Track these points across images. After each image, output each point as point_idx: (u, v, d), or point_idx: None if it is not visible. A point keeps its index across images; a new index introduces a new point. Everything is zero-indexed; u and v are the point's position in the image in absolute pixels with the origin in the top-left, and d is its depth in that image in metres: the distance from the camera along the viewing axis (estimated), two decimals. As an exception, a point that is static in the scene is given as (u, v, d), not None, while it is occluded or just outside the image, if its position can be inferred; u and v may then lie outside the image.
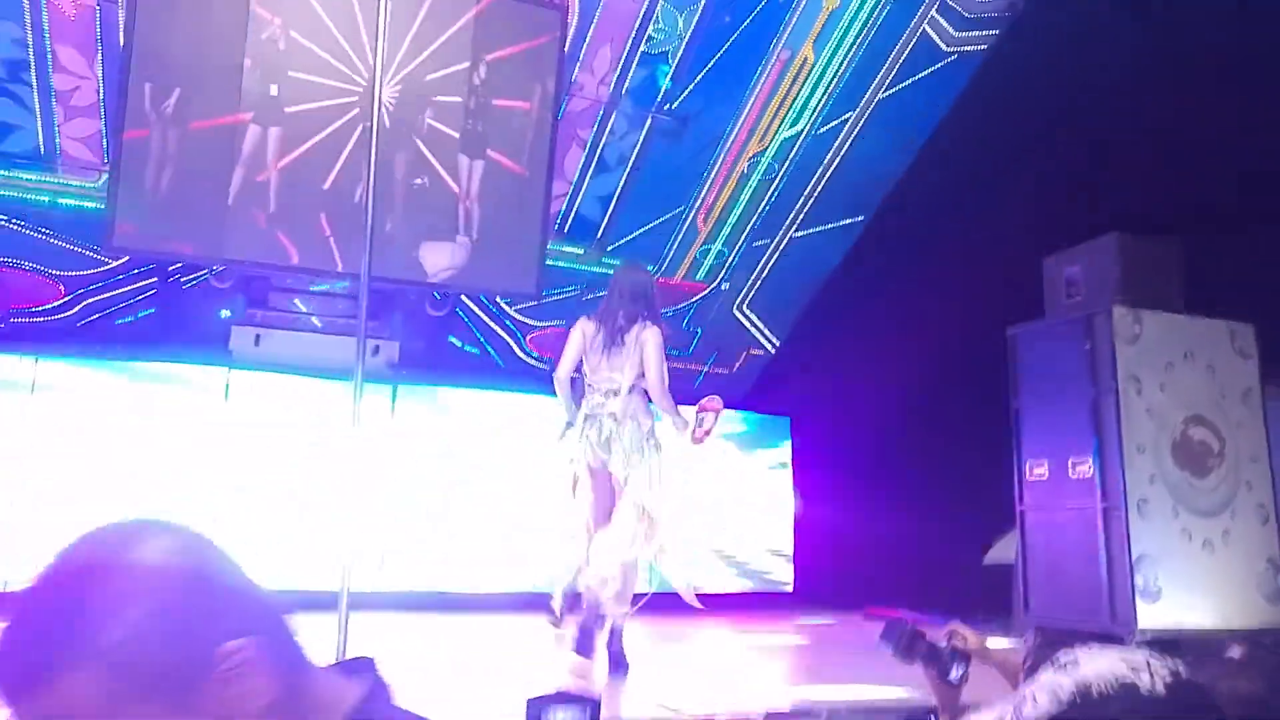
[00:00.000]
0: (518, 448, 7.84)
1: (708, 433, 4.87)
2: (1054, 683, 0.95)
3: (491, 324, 8.17)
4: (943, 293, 7.14)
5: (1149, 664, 0.94)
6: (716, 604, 8.03)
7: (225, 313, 7.61)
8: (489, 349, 8.24)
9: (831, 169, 7.99)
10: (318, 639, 4.68)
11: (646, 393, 4.60)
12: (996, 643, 2.71)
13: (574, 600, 4.68)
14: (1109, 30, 6.52)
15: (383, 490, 7.16)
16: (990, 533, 6.67)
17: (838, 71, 7.58)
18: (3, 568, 6.35)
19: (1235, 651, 2.60)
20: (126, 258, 7.21)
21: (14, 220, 6.99)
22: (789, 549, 8.54)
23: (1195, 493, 5.47)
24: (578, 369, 4.78)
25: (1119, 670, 0.93)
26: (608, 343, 4.59)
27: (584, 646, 4.39)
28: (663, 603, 7.73)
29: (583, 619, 4.46)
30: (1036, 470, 5.91)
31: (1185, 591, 5.26)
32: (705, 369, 8.82)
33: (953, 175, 7.31)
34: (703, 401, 4.91)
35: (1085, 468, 5.58)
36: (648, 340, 4.54)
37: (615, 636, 4.59)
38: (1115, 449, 5.41)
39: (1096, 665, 0.95)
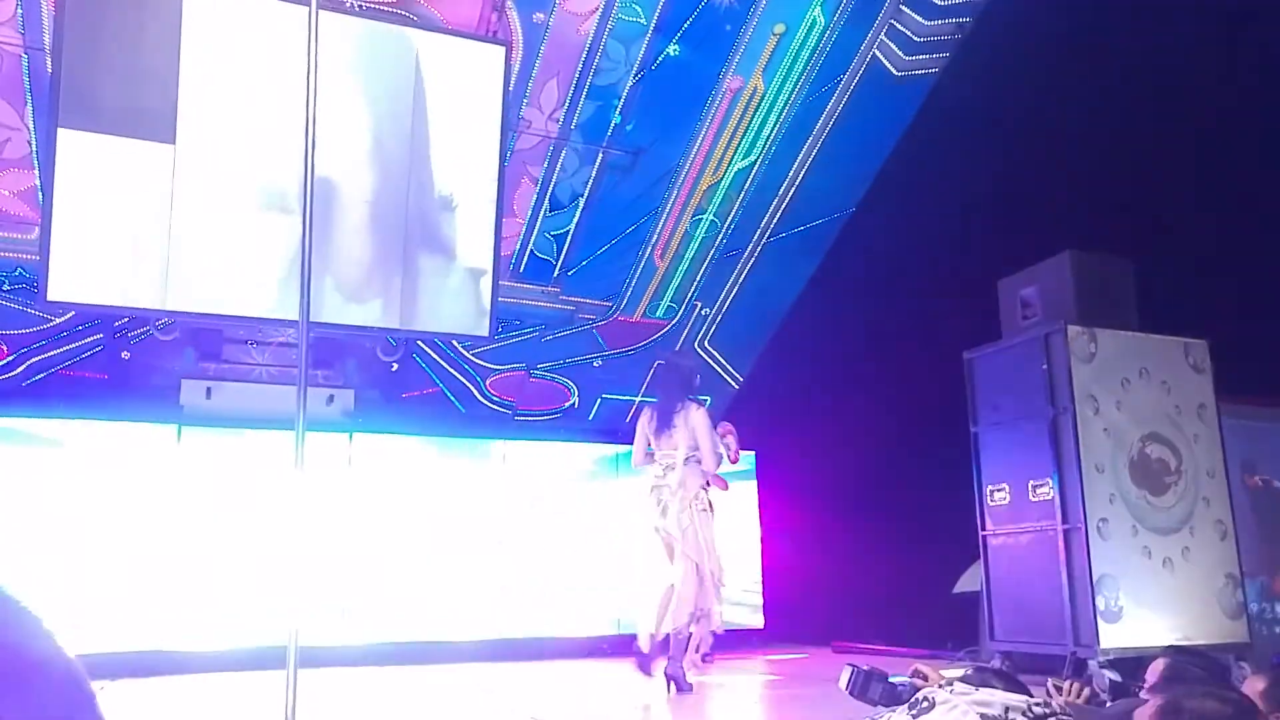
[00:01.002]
0: (479, 493, 7.95)
1: (736, 452, 6.48)
2: None
3: (449, 368, 8.29)
4: (903, 319, 7.34)
5: (1006, 715, 0.93)
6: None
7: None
8: (448, 393, 8.36)
9: (788, 199, 8.20)
10: (268, 696, 4.71)
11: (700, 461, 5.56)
12: (954, 674, 2.81)
13: (661, 646, 5.48)
14: (1059, 50, 6.79)
15: (333, 538, 7.24)
16: (958, 560, 6.81)
17: (789, 99, 7.80)
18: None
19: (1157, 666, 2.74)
20: (71, 314, 7.26)
21: (-49, 275, 7.07)
22: (758, 584, 8.64)
23: (1154, 510, 5.65)
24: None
25: None
26: (660, 427, 5.62)
27: (679, 685, 5.37)
28: (626, 640, 7.81)
29: (668, 662, 5.37)
30: (997, 494, 6.08)
31: (1147, 610, 5.42)
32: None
33: (908, 200, 7.54)
34: (719, 429, 6.04)
35: (1045, 489, 5.75)
36: (697, 420, 5.54)
37: (676, 663, 5.42)
38: (1074, 469, 5.59)
39: (945, 715, 0.95)
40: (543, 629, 7.95)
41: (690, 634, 5.44)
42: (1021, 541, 5.87)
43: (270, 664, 5.78)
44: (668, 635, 5.41)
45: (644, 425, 5.75)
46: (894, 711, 1.00)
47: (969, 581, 6.64)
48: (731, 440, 6.56)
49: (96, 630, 6.72)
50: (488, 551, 7.87)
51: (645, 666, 5.41)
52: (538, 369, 8.50)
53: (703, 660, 6.10)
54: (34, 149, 6.90)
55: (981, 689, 1.14)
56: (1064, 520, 5.58)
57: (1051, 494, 5.69)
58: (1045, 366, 5.87)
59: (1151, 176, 6.59)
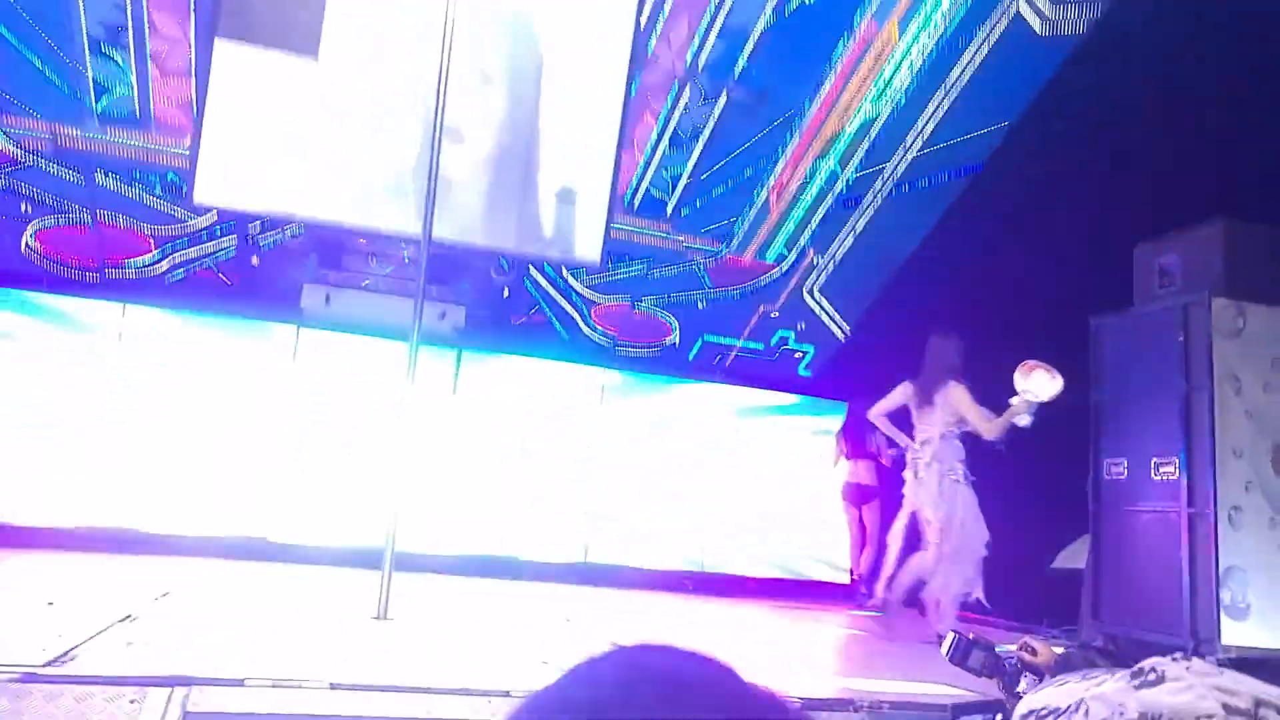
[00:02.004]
0: (576, 419, 7.53)
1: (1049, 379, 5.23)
2: (1118, 698, 0.72)
3: (557, 296, 7.80)
4: (1024, 281, 6.48)
5: (1256, 711, 0.66)
6: (770, 589, 7.60)
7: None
8: (554, 320, 7.88)
9: (912, 151, 7.36)
10: (361, 592, 4.48)
11: (959, 437, 5.41)
12: (1059, 651, 2.47)
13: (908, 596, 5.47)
14: (1220, 10, 5.78)
15: (435, 450, 6.94)
16: (1063, 533, 6.02)
17: (924, 50, 6.94)
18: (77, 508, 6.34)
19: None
20: (212, 216, 7.14)
21: (110, 174, 6.95)
22: (847, 539, 8.00)
23: (1295, 503, 4.77)
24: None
25: (1204, 710, 0.67)
26: (921, 403, 5.51)
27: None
28: (715, 584, 7.37)
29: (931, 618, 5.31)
30: (1114, 469, 5.28)
31: (1277, 610, 4.57)
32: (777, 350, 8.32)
33: (1039, 160, 6.63)
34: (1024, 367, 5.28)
35: (1170, 469, 4.93)
36: (959, 398, 5.38)
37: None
38: (1206, 451, 4.78)
39: (1180, 698, 0.68)
40: (628, 558, 7.50)
41: (939, 599, 5.28)
42: (1139, 521, 5.07)
43: (363, 563, 5.52)
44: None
45: (903, 395, 5.63)
46: (1111, 676, 0.65)
47: (1071, 558, 5.85)
48: (1041, 373, 5.21)
49: (200, 514, 6.64)
50: (577, 477, 7.47)
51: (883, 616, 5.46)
52: (642, 302, 7.93)
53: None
54: (192, 61, 6.67)
55: (1225, 673, 0.76)
56: (1190, 504, 4.76)
57: (1177, 474, 4.86)
58: (1182, 339, 5.01)
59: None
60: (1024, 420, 5.18)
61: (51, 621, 3.47)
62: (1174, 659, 0.77)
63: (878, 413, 5.71)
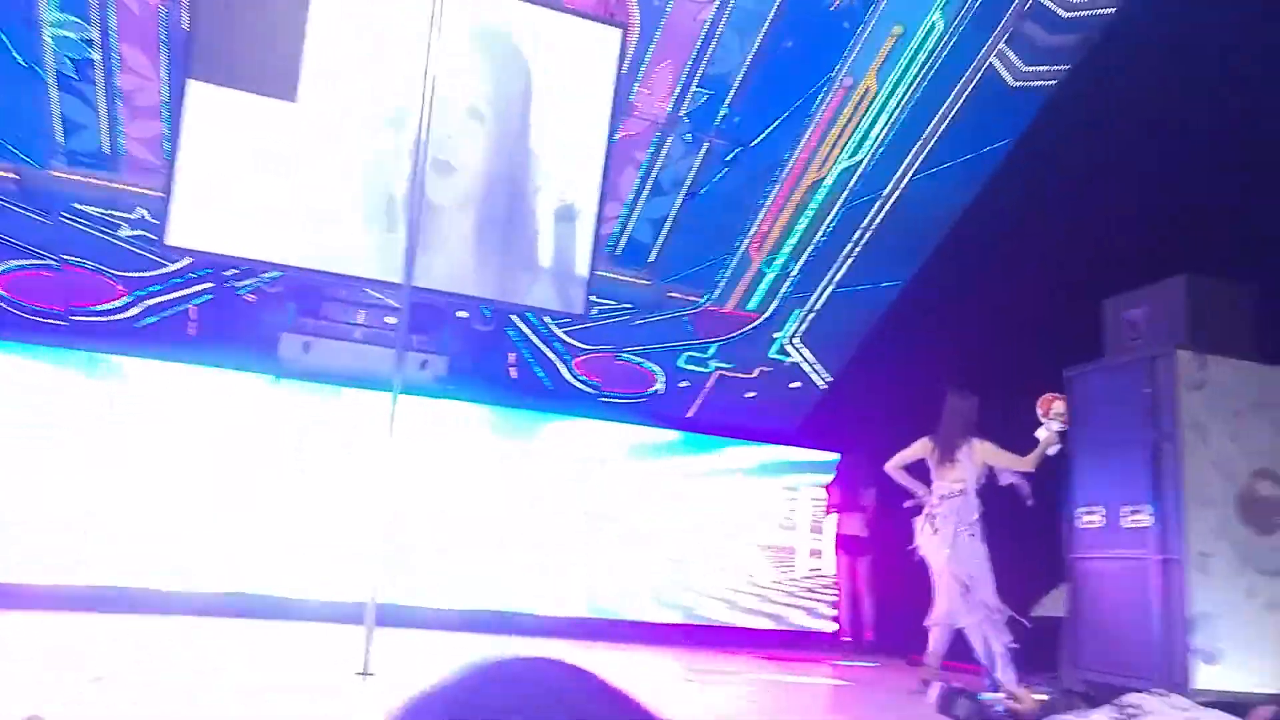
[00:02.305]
0: (559, 469, 7.79)
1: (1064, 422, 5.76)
2: None
3: (540, 344, 8.11)
4: (1000, 333, 6.90)
5: None
6: (755, 640, 7.88)
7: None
8: (536, 370, 8.18)
9: (891, 201, 7.83)
10: (344, 648, 4.62)
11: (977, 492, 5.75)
12: (1040, 698, 2.66)
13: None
14: (1183, 63, 6.31)
15: (415, 501, 7.15)
16: (1042, 582, 6.39)
17: (901, 101, 7.42)
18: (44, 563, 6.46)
19: (1265, 713, 2.42)
20: (186, 261, 7.28)
21: (78, 220, 7.10)
22: (833, 589, 8.34)
23: (1261, 550, 5.18)
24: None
25: None
26: (942, 459, 5.81)
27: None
28: (697, 635, 7.64)
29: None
30: (1088, 518, 5.66)
31: (1249, 654, 4.96)
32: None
33: (1014, 212, 7.11)
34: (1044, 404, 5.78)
35: (1141, 517, 5.32)
36: (986, 451, 5.74)
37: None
38: (1175, 499, 5.15)
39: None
40: (625, 612, 7.77)
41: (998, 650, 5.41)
42: (1112, 569, 5.44)
43: (345, 617, 5.69)
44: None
45: (922, 449, 5.93)
46: (1096, 711, 0.80)
47: (1051, 605, 6.21)
48: (1059, 404, 5.87)
49: (176, 569, 6.76)
50: (570, 530, 7.72)
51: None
52: (625, 352, 8.27)
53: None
54: (164, 99, 6.86)
55: (1200, 708, 0.87)
56: (1161, 551, 5.14)
57: (1148, 522, 5.26)
58: (1149, 390, 5.43)
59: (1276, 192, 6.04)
60: (1054, 448, 5.67)
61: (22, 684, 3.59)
62: (1153, 693, 0.90)
63: (896, 465, 6.03)
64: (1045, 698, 4.49)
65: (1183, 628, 4.90)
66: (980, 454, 5.74)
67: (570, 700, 0.58)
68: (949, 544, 5.62)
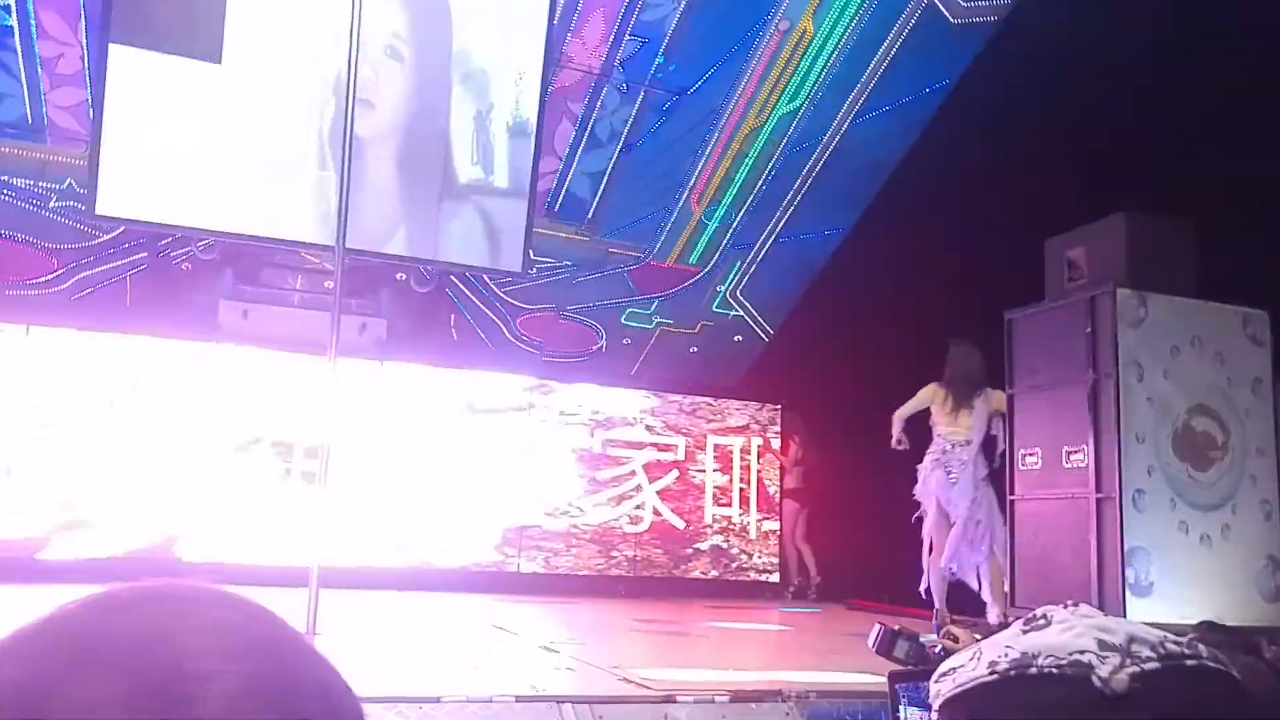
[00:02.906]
0: (502, 427, 7.69)
1: None
2: (1005, 642, 0.74)
3: (480, 305, 7.96)
4: (942, 278, 6.82)
5: (1129, 646, 0.70)
6: (700, 589, 7.88)
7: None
8: (478, 330, 8.04)
9: (831, 147, 7.68)
10: (290, 613, 4.58)
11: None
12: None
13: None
14: (1124, 0, 6.19)
15: (358, 463, 7.05)
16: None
17: (838, 44, 7.26)
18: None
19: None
20: (119, 231, 7.11)
21: (4, 191, 6.89)
22: (775, 540, 8.34)
23: (1195, 485, 5.17)
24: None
25: (1078, 645, 0.71)
26: (955, 407, 5.79)
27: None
28: (645, 587, 7.62)
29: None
30: (1029, 459, 5.63)
31: (1180, 586, 4.96)
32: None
33: (954, 154, 6.98)
34: None
35: (1080, 456, 5.29)
36: (1000, 400, 5.77)
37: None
38: (1113, 437, 5.13)
39: (1060, 638, 0.73)
40: (560, 565, 7.73)
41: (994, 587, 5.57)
42: (1051, 508, 5.42)
43: (288, 581, 5.60)
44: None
45: (930, 398, 5.91)
46: (1011, 626, 0.73)
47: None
48: None
49: (114, 535, 6.64)
50: (502, 485, 7.62)
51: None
52: (567, 311, 8.13)
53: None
54: (86, 65, 6.63)
55: (1108, 616, 0.81)
56: (1098, 489, 5.11)
57: (1086, 461, 5.22)
58: (1089, 330, 5.37)
59: (1218, 135, 5.96)
60: None
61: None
62: (1063, 606, 0.81)
63: (904, 415, 6.03)
64: (981, 635, 4.41)
65: (1117, 562, 4.88)
66: (995, 402, 5.76)
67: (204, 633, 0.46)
68: (970, 492, 5.62)
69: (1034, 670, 0.70)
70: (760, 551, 8.31)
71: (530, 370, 7.95)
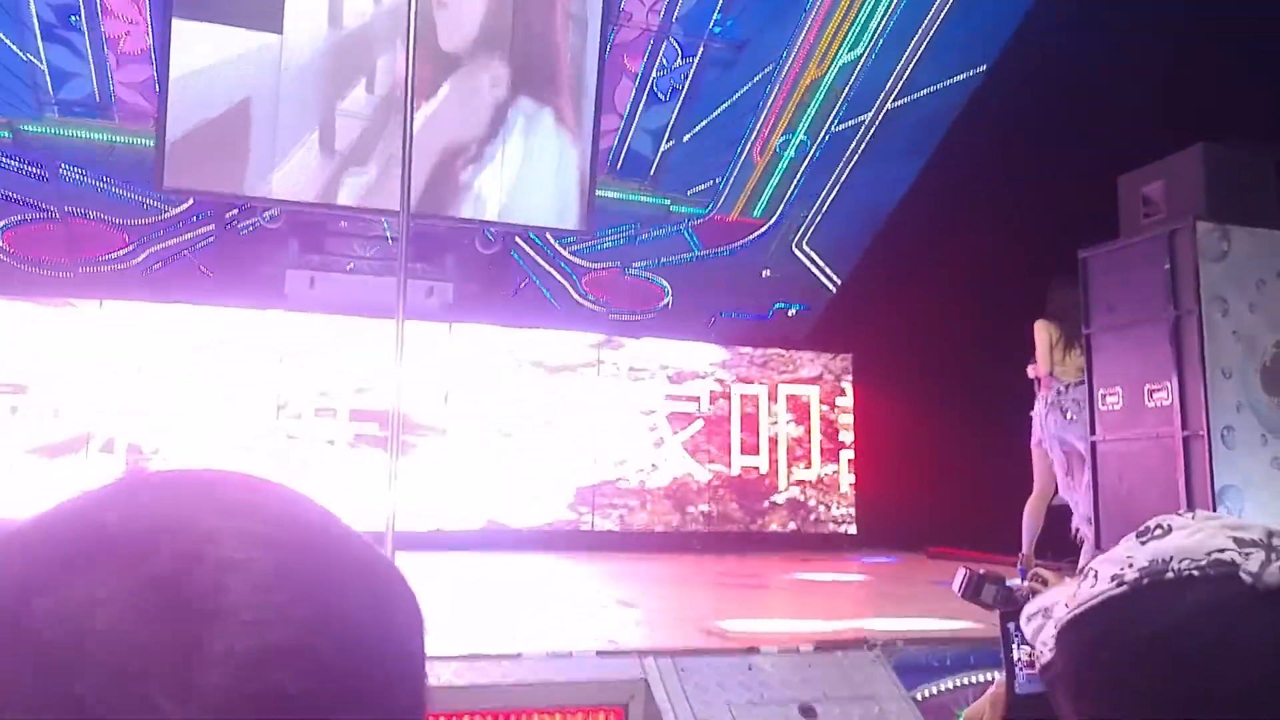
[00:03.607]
0: (572, 385, 7.66)
1: None
2: (1124, 555, 0.69)
3: (546, 265, 7.91)
4: (1013, 219, 6.63)
5: (1270, 540, 0.65)
6: (777, 542, 7.80)
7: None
8: (544, 290, 8.00)
9: (894, 94, 7.47)
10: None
11: None
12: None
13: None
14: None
15: (430, 426, 7.06)
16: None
17: (899, -11, 7.06)
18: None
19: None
20: (188, 204, 7.17)
21: (76, 169, 6.96)
22: (851, 490, 8.22)
23: (1286, 420, 4.97)
24: None
25: (1215, 544, 0.65)
26: (1069, 346, 5.70)
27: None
28: (722, 542, 7.57)
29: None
30: (1109, 399, 5.46)
31: (1276, 523, 4.78)
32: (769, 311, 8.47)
33: (1020, 97, 6.76)
34: None
35: (1163, 394, 5.12)
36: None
37: None
38: (1198, 374, 4.95)
39: (1188, 539, 0.68)
40: (635, 522, 7.70)
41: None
42: (1135, 449, 5.26)
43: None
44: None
45: (1046, 337, 5.79)
46: (1122, 542, 0.67)
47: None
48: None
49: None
50: (572, 447, 7.59)
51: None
52: (633, 268, 8.05)
53: None
54: (151, 43, 6.66)
55: (1233, 517, 0.75)
56: (1184, 427, 4.94)
57: (1170, 399, 5.05)
58: (1168, 266, 5.18)
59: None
60: None
61: None
62: (1179, 514, 0.76)
63: (1044, 362, 5.81)
64: (1071, 578, 4.30)
65: (1208, 502, 4.71)
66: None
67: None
68: (1084, 433, 5.54)
69: (1170, 575, 0.65)
70: (839, 503, 8.20)
71: (598, 328, 7.89)
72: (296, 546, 0.40)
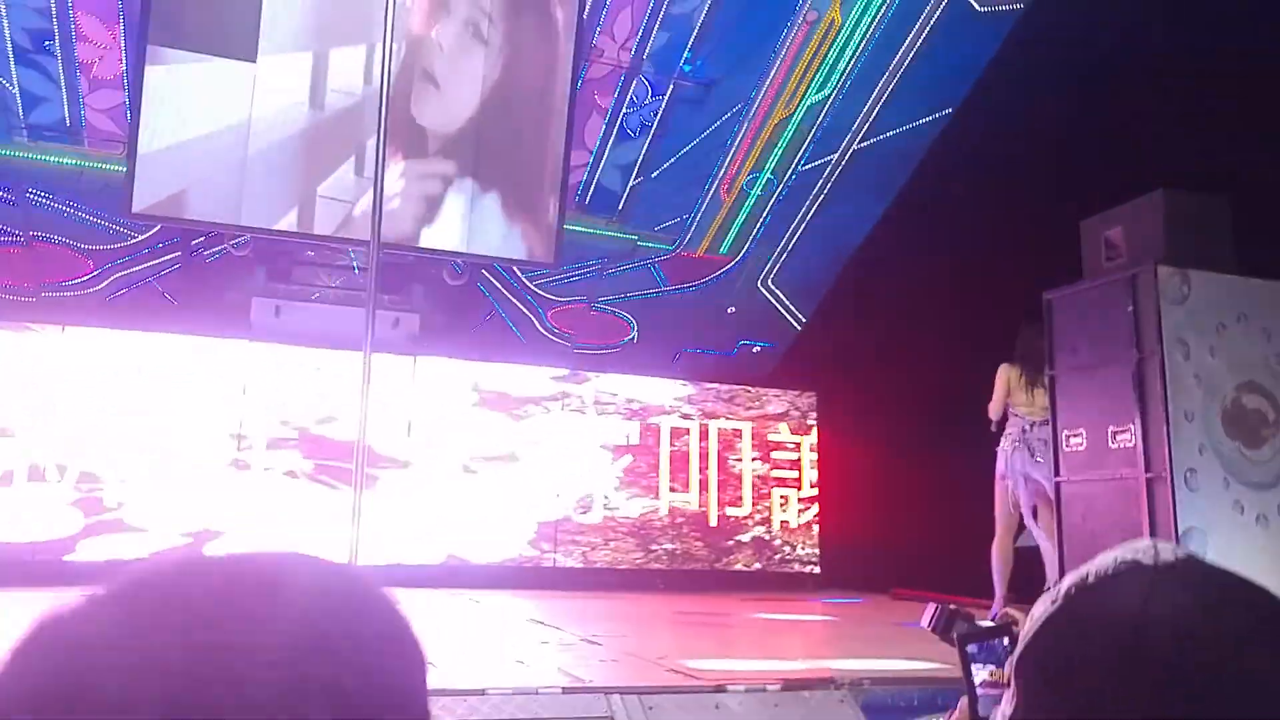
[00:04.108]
0: (537, 419, 7.51)
1: None
2: (1051, 594, 0.76)
3: (511, 298, 7.80)
4: (976, 262, 6.62)
5: (1154, 546, 0.74)
6: (741, 581, 7.67)
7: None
8: (509, 323, 7.88)
9: (861, 135, 7.48)
10: None
11: None
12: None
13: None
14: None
15: (392, 456, 6.89)
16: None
17: (866, 33, 7.07)
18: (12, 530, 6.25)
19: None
20: (154, 230, 7.03)
21: (43, 193, 6.82)
22: (815, 530, 8.11)
23: (1249, 464, 4.94)
24: None
25: (1122, 554, 0.74)
26: (1032, 385, 5.69)
27: None
28: (686, 580, 7.43)
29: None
30: (1073, 440, 5.41)
31: (1237, 567, 4.70)
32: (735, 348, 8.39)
33: (985, 140, 6.79)
34: None
35: (1126, 436, 5.07)
36: None
37: None
38: (1160, 416, 4.90)
39: (1101, 557, 0.76)
40: (599, 559, 7.53)
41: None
42: (1098, 490, 5.20)
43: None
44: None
45: (1007, 379, 5.79)
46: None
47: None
48: None
49: (145, 536, 6.50)
50: (535, 482, 7.43)
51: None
52: (599, 302, 7.95)
53: None
54: (124, 68, 6.58)
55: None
56: (1147, 469, 4.89)
57: (1133, 441, 5.00)
58: (1130, 308, 5.16)
59: (1249, 108, 5.75)
60: None
61: None
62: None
63: (999, 405, 5.84)
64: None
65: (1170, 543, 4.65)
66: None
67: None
68: (1047, 471, 5.53)
69: (1091, 579, 0.71)
70: (804, 543, 8.08)
71: (563, 363, 7.77)
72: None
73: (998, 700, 1.01)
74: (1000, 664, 1.16)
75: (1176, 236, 5.22)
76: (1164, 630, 0.65)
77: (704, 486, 7.88)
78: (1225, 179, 5.54)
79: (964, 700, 1.16)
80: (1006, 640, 1.21)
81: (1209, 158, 5.76)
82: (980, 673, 1.23)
